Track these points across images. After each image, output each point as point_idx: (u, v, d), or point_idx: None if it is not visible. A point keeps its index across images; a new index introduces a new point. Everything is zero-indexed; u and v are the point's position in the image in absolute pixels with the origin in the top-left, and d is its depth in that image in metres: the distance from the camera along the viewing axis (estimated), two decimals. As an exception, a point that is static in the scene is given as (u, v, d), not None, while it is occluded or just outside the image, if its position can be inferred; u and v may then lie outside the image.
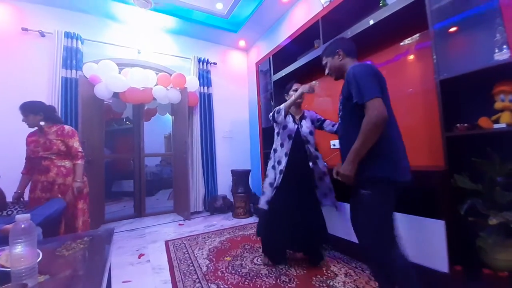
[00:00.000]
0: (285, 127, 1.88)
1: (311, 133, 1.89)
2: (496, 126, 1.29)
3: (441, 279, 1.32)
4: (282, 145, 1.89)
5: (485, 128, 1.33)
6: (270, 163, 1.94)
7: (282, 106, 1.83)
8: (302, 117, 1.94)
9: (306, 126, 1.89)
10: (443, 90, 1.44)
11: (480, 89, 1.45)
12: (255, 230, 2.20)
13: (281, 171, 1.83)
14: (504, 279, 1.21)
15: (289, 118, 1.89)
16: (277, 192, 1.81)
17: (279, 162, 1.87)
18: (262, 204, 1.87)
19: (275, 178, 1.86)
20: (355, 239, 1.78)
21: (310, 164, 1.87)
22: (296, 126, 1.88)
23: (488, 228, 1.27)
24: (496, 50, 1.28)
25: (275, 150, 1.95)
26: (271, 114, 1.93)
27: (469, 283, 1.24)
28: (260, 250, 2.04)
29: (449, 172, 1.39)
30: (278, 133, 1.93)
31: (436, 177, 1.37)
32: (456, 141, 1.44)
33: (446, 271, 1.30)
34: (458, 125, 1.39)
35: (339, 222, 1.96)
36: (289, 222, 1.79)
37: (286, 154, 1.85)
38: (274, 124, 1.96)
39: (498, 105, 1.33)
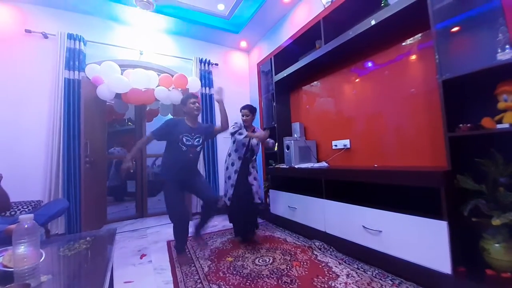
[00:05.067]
0: None
1: (257, 144, 2.44)
2: (499, 126, 1.28)
3: (444, 280, 1.31)
4: (236, 151, 2.39)
5: (488, 128, 1.32)
6: (225, 165, 2.46)
7: (243, 131, 2.31)
8: (253, 131, 2.48)
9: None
10: (445, 90, 1.44)
11: (483, 89, 1.44)
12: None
13: (235, 171, 2.34)
14: (507, 280, 1.20)
15: (244, 132, 2.38)
16: (235, 188, 2.32)
17: (232, 164, 2.37)
18: (226, 200, 2.43)
19: (229, 177, 2.37)
20: (356, 240, 1.80)
21: (251, 167, 2.41)
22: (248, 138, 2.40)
23: (491, 229, 1.26)
24: (499, 50, 1.27)
25: (229, 154, 2.44)
26: (232, 129, 2.34)
27: (472, 284, 1.23)
28: (261, 251, 2.11)
29: (452, 173, 1.38)
30: (234, 142, 2.41)
31: (439, 177, 1.36)
32: (459, 141, 1.44)
33: (449, 272, 1.29)
34: (461, 125, 1.39)
35: (341, 223, 1.95)
36: (244, 211, 2.30)
37: (240, 158, 2.37)
38: (230, 136, 2.40)
39: (501, 105, 1.32)
